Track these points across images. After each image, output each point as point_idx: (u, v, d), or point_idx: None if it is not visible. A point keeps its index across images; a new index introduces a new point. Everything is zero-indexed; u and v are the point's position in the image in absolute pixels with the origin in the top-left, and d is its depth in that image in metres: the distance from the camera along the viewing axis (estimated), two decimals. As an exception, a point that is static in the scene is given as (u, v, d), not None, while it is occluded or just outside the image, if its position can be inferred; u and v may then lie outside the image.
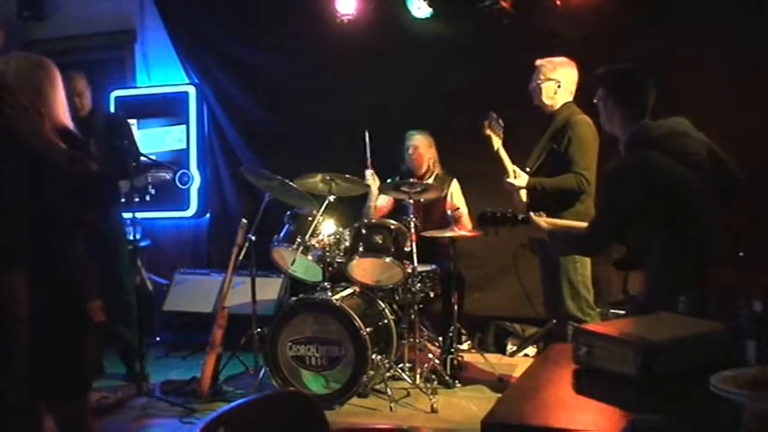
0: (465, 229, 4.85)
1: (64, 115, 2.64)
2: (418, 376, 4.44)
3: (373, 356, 4.25)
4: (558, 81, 4.14)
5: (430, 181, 5.06)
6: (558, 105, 4.16)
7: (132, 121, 5.73)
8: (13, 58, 2.72)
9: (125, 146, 4.71)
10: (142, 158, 4.89)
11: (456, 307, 4.69)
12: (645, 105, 2.88)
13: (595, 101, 3.01)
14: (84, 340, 2.58)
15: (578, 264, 4.07)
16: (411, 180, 4.85)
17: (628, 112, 2.88)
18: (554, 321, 4.39)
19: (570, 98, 4.20)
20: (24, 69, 2.67)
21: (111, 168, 4.36)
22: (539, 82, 4.14)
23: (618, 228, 2.84)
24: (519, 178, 4.07)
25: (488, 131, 4.08)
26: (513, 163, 4.14)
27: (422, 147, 5.12)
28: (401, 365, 4.53)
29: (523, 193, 4.09)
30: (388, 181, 5.03)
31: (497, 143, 4.10)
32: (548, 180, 4.05)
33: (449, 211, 4.69)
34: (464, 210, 5.10)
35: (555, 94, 4.14)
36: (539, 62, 4.18)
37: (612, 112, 2.93)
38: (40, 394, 2.47)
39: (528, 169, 4.16)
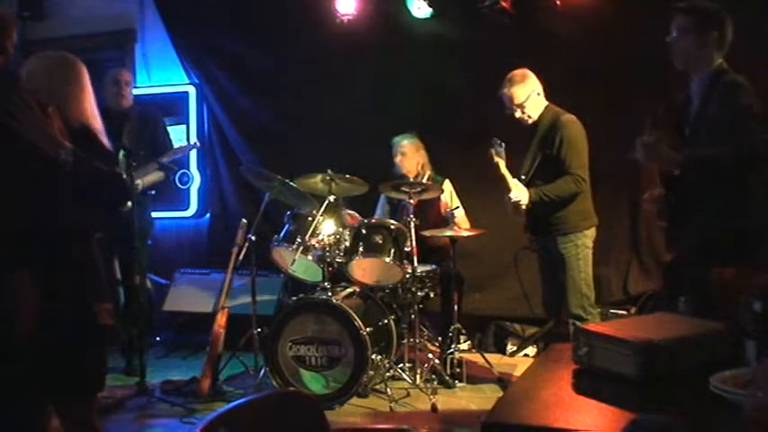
0: (462, 228, 4.85)
1: (83, 113, 2.63)
2: (418, 376, 4.45)
3: (373, 356, 4.25)
4: (535, 90, 4.16)
5: (422, 184, 5.07)
6: (539, 112, 4.19)
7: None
8: (34, 56, 2.72)
9: (159, 139, 5.15)
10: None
11: (456, 307, 4.69)
12: (726, 47, 3.01)
13: (682, 33, 3.02)
14: (96, 341, 2.57)
15: (581, 262, 4.08)
16: (411, 180, 4.86)
17: (718, 51, 2.98)
18: (553, 321, 4.39)
19: (545, 101, 4.21)
20: (39, 68, 2.68)
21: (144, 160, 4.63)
22: (523, 104, 4.14)
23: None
24: (521, 192, 4.07)
25: (496, 158, 4.12)
26: (512, 169, 4.17)
27: (409, 153, 5.12)
28: (401, 365, 4.53)
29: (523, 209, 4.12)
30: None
31: (502, 166, 4.14)
32: (547, 188, 4.07)
33: (450, 211, 4.69)
34: (461, 209, 5.10)
35: (537, 102, 4.17)
36: (504, 92, 4.17)
37: (706, 46, 2.98)
38: (50, 394, 2.47)
39: (523, 177, 4.18)
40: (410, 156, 5.12)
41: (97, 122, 2.66)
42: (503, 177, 4.14)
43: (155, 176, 5.06)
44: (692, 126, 3.02)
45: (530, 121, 4.19)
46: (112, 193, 2.69)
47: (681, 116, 3.11)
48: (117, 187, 2.73)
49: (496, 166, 4.13)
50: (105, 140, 2.67)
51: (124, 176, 4.35)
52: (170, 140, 5.34)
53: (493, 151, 4.13)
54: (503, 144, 4.15)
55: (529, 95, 4.14)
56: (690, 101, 3.09)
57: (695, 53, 3.01)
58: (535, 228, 4.25)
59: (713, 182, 2.91)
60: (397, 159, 5.13)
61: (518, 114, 4.18)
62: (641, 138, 2.96)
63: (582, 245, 4.10)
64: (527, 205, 4.09)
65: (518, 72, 4.19)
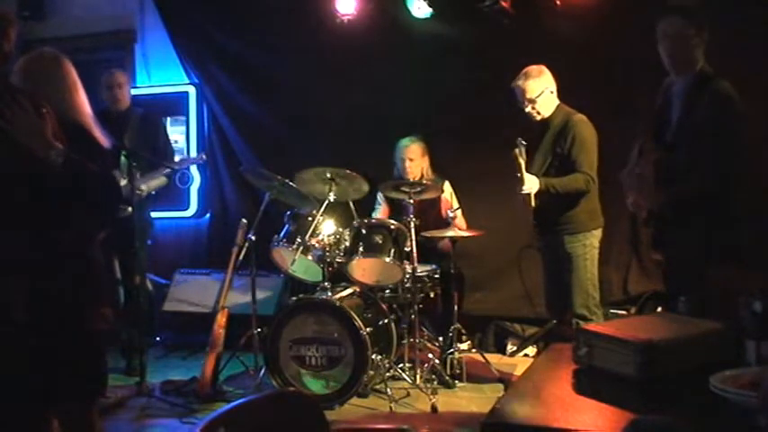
0: (461, 229, 4.85)
1: (78, 111, 2.62)
2: (418, 376, 4.45)
3: (373, 356, 4.25)
4: (549, 88, 4.15)
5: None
6: (551, 111, 4.17)
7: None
8: (26, 55, 2.71)
9: (159, 144, 5.14)
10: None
11: (456, 307, 4.68)
12: None
13: (680, 36, 3.02)
14: (94, 345, 2.57)
15: (588, 262, 4.08)
16: (411, 180, 4.86)
17: (702, 51, 3.04)
18: (554, 322, 4.38)
19: (558, 100, 4.20)
20: (32, 67, 2.66)
21: (146, 164, 4.70)
22: (535, 98, 4.12)
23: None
24: (531, 181, 4.03)
25: (520, 159, 4.04)
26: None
27: (416, 158, 5.09)
28: (401, 365, 4.53)
29: (532, 197, 4.08)
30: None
31: (523, 166, 4.06)
32: (558, 181, 4.06)
33: (449, 212, 4.68)
34: (458, 211, 5.08)
35: (549, 101, 4.15)
36: (518, 84, 4.15)
37: (697, 48, 3.02)
38: (49, 398, 2.46)
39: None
40: (417, 161, 5.09)
41: (91, 120, 2.64)
42: (520, 175, 4.05)
43: (158, 182, 5.12)
44: (675, 132, 3.01)
45: (538, 118, 4.17)
46: (104, 194, 2.66)
47: (659, 119, 3.10)
48: (108, 189, 2.70)
49: (518, 167, 4.05)
50: (102, 138, 2.65)
51: (123, 180, 4.34)
52: (171, 146, 5.39)
53: (517, 151, 4.05)
54: (524, 143, 4.08)
55: (542, 92, 4.12)
56: (669, 103, 3.09)
57: (691, 54, 3.01)
58: (543, 225, 4.23)
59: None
60: (405, 165, 5.09)
61: (528, 109, 4.16)
62: (629, 166, 2.97)
63: (589, 245, 4.09)
64: (535, 195, 4.05)
65: (535, 67, 4.18)
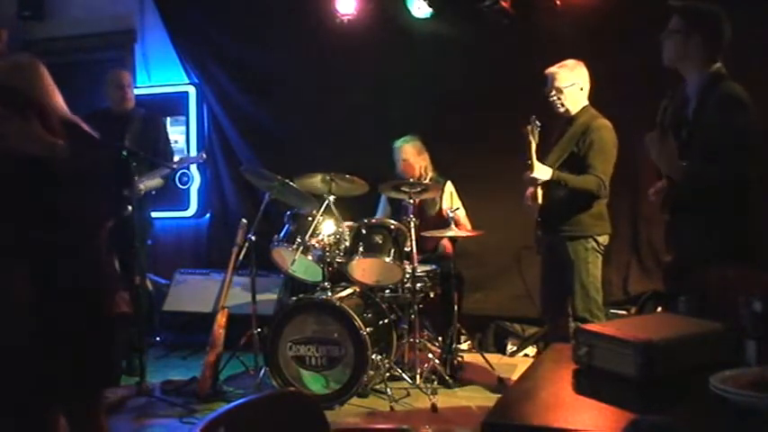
0: (464, 229, 4.85)
1: (61, 107, 2.63)
2: (418, 376, 4.44)
3: (373, 356, 4.25)
4: (578, 83, 4.10)
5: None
6: (577, 109, 4.10)
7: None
8: (0, 62, 2.72)
9: (160, 145, 5.19)
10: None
11: (456, 307, 4.68)
12: (722, 49, 2.98)
13: (670, 32, 3.00)
14: (107, 337, 2.57)
15: (590, 265, 4.02)
16: (410, 180, 4.86)
17: (709, 53, 2.96)
18: (549, 325, 4.37)
19: (587, 101, 4.16)
20: (6, 74, 2.67)
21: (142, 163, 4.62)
22: (562, 88, 4.09)
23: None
24: (543, 170, 3.95)
25: (531, 138, 3.96)
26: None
27: (411, 158, 5.09)
28: (401, 365, 4.53)
29: (539, 193, 4.03)
30: None
31: (534, 147, 3.97)
32: (570, 177, 3.98)
33: (449, 212, 4.68)
34: (462, 210, 5.08)
35: (577, 97, 4.11)
36: (551, 70, 4.10)
37: (693, 48, 2.97)
38: (56, 390, 2.46)
39: None
40: (412, 161, 5.09)
41: (70, 114, 2.66)
42: (529, 160, 3.96)
43: (155, 182, 5.14)
44: (690, 130, 3.01)
45: (561, 110, 4.07)
46: (119, 174, 2.70)
47: (678, 116, 3.10)
48: (120, 168, 2.74)
49: (528, 145, 3.95)
50: (89, 129, 2.68)
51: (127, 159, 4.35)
52: (171, 148, 5.41)
53: (529, 128, 3.96)
54: (539, 125, 4.00)
55: (571, 84, 4.05)
56: (687, 101, 3.09)
57: (680, 54, 3.00)
58: (546, 224, 4.18)
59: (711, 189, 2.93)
60: (401, 165, 5.10)
61: (553, 98, 4.08)
62: (653, 132, 2.93)
63: (591, 248, 4.02)
64: (543, 193, 4.01)
65: (573, 60, 4.13)
